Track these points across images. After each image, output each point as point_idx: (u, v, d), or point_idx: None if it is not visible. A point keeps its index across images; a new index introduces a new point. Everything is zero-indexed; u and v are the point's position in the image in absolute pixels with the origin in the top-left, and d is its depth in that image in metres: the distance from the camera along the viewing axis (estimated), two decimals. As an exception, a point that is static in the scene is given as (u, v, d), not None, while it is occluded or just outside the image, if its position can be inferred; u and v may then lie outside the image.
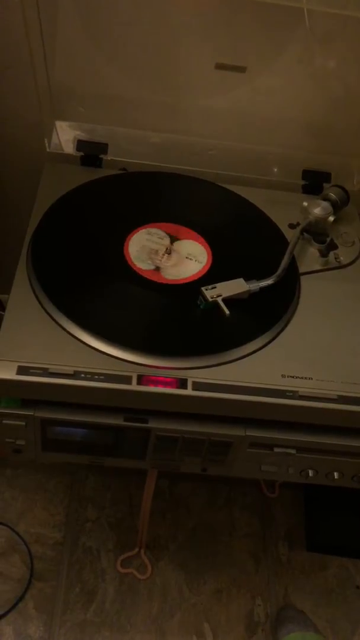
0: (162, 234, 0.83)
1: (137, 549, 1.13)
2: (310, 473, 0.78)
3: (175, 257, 0.81)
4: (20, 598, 1.06)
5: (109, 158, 0.93)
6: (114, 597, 1.08)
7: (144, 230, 0.83)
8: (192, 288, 0.76)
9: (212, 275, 0.79)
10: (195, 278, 0.79)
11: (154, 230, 0.84)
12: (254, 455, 0.75)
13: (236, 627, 1.08)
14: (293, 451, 0.75)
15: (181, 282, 0.78)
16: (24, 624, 1.04)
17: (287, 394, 0.69)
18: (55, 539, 1.13)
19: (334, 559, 1.18)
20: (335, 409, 0.69)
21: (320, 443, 0.74)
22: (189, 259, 0.81)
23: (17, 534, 1.13)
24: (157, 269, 0.79)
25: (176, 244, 0.83)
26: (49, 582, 1.08)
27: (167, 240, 0.83)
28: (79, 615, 1.06)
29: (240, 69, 0.83)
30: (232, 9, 0.76)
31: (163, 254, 0.81)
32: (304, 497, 1.24)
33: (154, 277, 0.78)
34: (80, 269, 0.78)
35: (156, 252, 0.81)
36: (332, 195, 0.90)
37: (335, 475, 0.78)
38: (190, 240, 0.83)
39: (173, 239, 0.83)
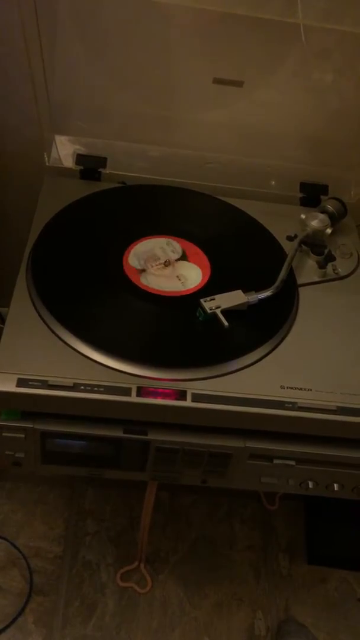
0: (179, 249, 0.84)
1: (137, 563, 1.12)
2: (310, 484, 0.78)
3: (168, 272, 0.81)
4: (20, 612, 1.05)
5: (108, 172, 0.94)
6: (114, 611, 1.07)
7: (164, 239, 0.84)
8: (192, 300, 0.77)
9: (211, 287, 0.79)
10: (195, 290, 0.79)
11: (174, 242, 0.84)
12: (253, 467, 0.75)
13: (237, 641, 1.07)
14: (293, 463, 0.75)
15: (181, 293, 0.78)
16: (23, 639, 1.03)
17: (287, 405, 0.69)
18: (54, 553, 1.13)
19: (334, 572, 1.17)
20: (334, 420, 0.70)
21: (320, 454, 0.74)
22: (177, 279, 0.81)
23: (17, 547, 1.12)
24: (142, 270, 0.79)
25: (179, 263, 0.83)
26: (48, 597, 1.08)
27: (175, 256, 0.83)
28: (79, 629, 1.05)
29: (238, 84, 0.84)
30: (229, 25, 0.77)
31: (160, 263, 0.81)
32: (305, 509, 1.24)
33: (153, 290, 0.78)
34: (80, 281, 0.78)
35: (157, 258, 0.81)
36: (330, 208, 0.91)
37: (335, 486, 0.78)
38: (193, 265, 0.83)
39: (183, 257, 0.83)
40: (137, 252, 0.82)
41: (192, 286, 0.80)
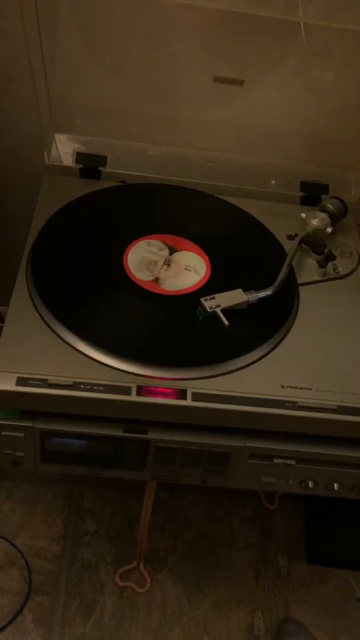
0: (161, 245, 0.84)
1: (136, 562, 1.12)
2: (310, 484, 0.78)
3: (175, 268, 0.81)
4: (19, 612, 1.05)
5: (107, 170, 0.94)
6: (113, 611, 1.07)
7: (143, 241, 0.84)
8: (191, 299, 0.76)
9: (211, 286, 0.79)
10: (195, 289, 0.79)
11: (153, 241, 0.84)
12: (253, 466, 0.75)
13: (236, 641, 1.07)
14: (293, 462, 0.74)
15: (180, 293, 0.78)
16: (22, 638, 1.03)
17: (287, 404, 0.69)
18: (53, 552, 1.13)
19: (334, 571, 1.17)
20: (335, 419, 0.69)
21: (320, 454, 0.74)
22: (187, 270, 0.81)
23: (16, 547, 1.12)
24: (157, 280, 0.79)
25: (175, 255, 0.83)
26: (47, 596, 1.08)
27: (166, 252, 0.83)
28: (77, 629, 1.05)
29: (238, 82, 0.84)
30: (229, 23, 0.77)
31: (162, 265, 0.81)
32: (304, 509, 1.24)
33: (153, 288, 0.78)
34: (80, 280, 0.78)
35: (155, 263, 0.81)
36: (330, 207, 0.91)
37: (335, 486, 0.78)
38: (189, 252, 0.84)
39: (172, 250, 0.83)
40: (135, 265, 0.81)
41: (203, 272, 0.80)
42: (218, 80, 0.83)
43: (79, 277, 0.79)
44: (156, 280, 0.79)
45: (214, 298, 0.75)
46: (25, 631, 1.03)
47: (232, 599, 1.11)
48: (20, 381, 0.66)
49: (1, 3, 0.82)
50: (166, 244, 0.84)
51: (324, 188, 0.97)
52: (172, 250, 0.83)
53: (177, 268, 0.81)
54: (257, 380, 0.70)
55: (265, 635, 1.08)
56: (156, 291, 0.78)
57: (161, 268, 0.81)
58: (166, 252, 0.83)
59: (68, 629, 1.04)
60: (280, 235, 0.89)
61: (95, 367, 0.69)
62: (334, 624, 1.10)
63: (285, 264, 0.82)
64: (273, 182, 0.98)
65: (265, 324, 0.76)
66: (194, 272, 0.81)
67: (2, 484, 1.19)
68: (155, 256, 0.82)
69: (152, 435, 0.71)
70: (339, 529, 1.19)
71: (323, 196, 0.96)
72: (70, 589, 1.09)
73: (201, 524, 1.20)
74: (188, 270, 0.81)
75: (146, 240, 0.84)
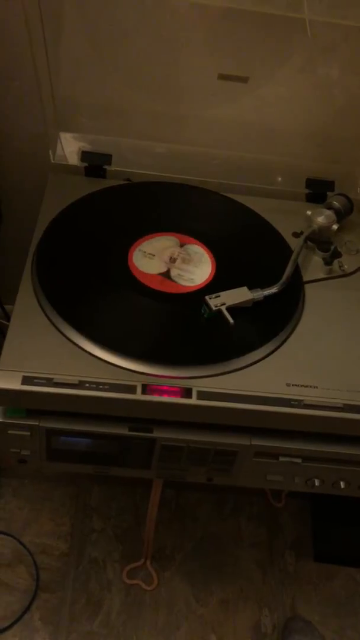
0: (173, 239, 0.85)
1: (143, 560, 1.12)
2: (317, 482, 0.77)
3: (185, 262, 0.81)
4: (26, 609, 1.05)
5: (113, 169, 0.94)
6: (120, 609, 1.08)
7: (161, 236, 0.85)
8: (196, 297, 0.76)
9: (216, 284, 0.79)
10: (200, 287, 0.79)
11: (171, 237, 0.85)
12: (259, 465, 0.75)
13: (243, 639, 1.07)
14: (299, 460, 0.74)
15: (185, 291, 0.78)
16: (29, 636, 1.03)
17: (292, 402, 0.69)
18: (61, 550, 1.13)
19: (341, 569, 1.17)
20: (340, 417, 0.69)
21: (326, 452, 0.73)
22: (195, 264, 0.81)
23: (23, 544, 1.12)
24: (168, 272, 0.80)
25: (184, 249, 0.83)
26: (54, 594, 1.08)
27: (178, 249, 0.84)
28: (85, 626, 1.05)
29: (243, 79, 0.84)
30: (234, 20, 0.77)
31: (176, 258, 0.81)
32: (311, 507, 1.23)
33: (158, 287, 0.78)
34: (85, 279, 0.78)
35: (169, 253, 0.82)
36: (336, 204, 0.90)
37: (342, 484, 0.78)
38: (190, 245, 0.84)
39: (181, 245, 0.84)
40: (150, 255, 0.82)
41: (207, 262, 0.82)
42: (222, 77, 0.83)
43: (84, 276, 0.79)
44: (167, 272, 0.79)
45: (219, 296, 0.75)
46: (32, 629, 1.04)
47: (239, 597, 1.11)
48: (26, 380, 0.66)
49: (4, 2, 0.82)
50: (176, 240, 0.85)
51: (329, 185, 0.96)
52: (181, 245, 0.84)
53: (188, 261, 0.81)
54: (263, 378, 0.70)
55: (272, 633, 1.08)
56: (161, 289, 0.78)
57: (173, 260, 0.81)
58: (178, 249, 0.84)
59: (75, 626, 1.05)
60: (286, 233, 0.89)
61: (100, 366, 0.69)
62: (341, 621, 1.10)
63: (291, 261, 0.82)
64: (279, 179, 0.97)
65: (271, 322, 0.76)
66: (201, 264, 0.81)
67: (9, 482, 1.20)
68: (169, 249, 0.83)
69: (157, 433, 0.71)
70: (346, 527, 1.19)
71: (329, 193, 0.96)
72: (78, 587, 1.09)
73: (208, 522, 1.20)
74: (199, 260, 0.82)
75: (163, 237, 0.85)
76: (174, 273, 0.80)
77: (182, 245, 0.84)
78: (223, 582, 1.13)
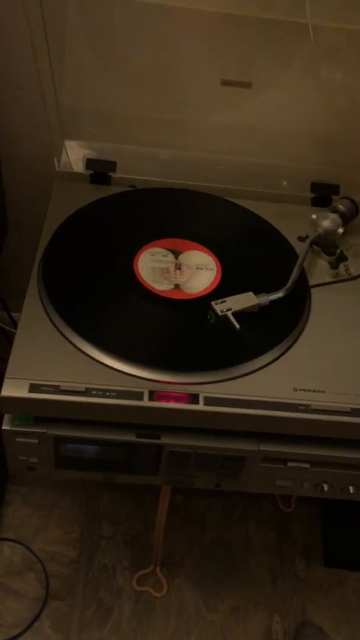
0: (164, 251, 0.84)
1: (152, 566, 1.12)
2: (326, 487, 0.77)
3: (187, 271, 0.81)
4: (36, 617, 1.05)
5: (117, 175, 0.94)
6: (130, 616, 1.07)
7: (147, 251, 0.84)
8: (202, 303, 0.76)
9: (222, 289, 0.79)
10: (206, 292, 0.79)
11: (155, 249, 0.84)
12: (267, 470, 0.75)
13: (254, 645, 1.06)
14: (307, 465, 0.74)
15: (192, 297, 0.78)
16: (40, 644, 1.03)
17: (300, 407, 0.69)
18: (70, 557, 1.13)
19: (352, 575, 1.16)
20: (348, 422, 0.69)
21: (334, 457, 0.73)
22: (199, 269, 0.81)
23: (33, 552, 1.12)
24: (177, 286, 0.79)
25: (182, 257, 0.83)
26: (65, 601, 1.08)
27: (171, 257, 0.83)
28: (95, 633, 1.05)
29: (246, 85, 0.84)
30: (236, 26, 0.77)
31: (175, 271, 0.81)
32: (321, 512, 1.23)
33: (164, 293, 0.78)
34: (91, 286, 0.78)
35: (167, 270, 0.81)
36: (341, 207, 0.90)
37: (351, 489, 0.78)
38: (194, 251, 0.84)
39: (176, 253, 0.83)
40: (151, 275, 0.81)
41: (214, 268, 0.81)
42: (226, 83, 0.84)
43: (90, 283, 0.79)
44: (177, 287, 0.79)
45: (224, 301, 0.75)
46: (43, 636, 1.04)
47: (249, 603, 1.11)
48: (33, 388, 0.67)
49: (7, 12, 0.83)
50: (168, 249, 0.84)
51: (334, 189, 0.96)
52: (177, 254, 0.83)
53: (188, 270, 0.81)
54: (270, 383, 0.70)
55: (283, 639, 1.07)
56: (167, 296, 0.78)
57: (175, 273, 0.81)
58: (171, 256, 0.83)
59: (86, 634, 1.05)
60: (291, 237, 0.89)
61: (107, 373, 0.69)
62: (353, 627, 1.09)
63: (297, 265, 0.82)
64: (283, 183, 0.97)
65: (277, 327, 0.76)
66: (206, 269, 0.81)
67: (18, 490, 1.20)
68: (165, 263, 0.82)
69: (165, 440, 0.71)
70: (356, 532, 1.18)
71: (334, 197, 0.96)
72: (88, 594, 1.09)
73: (217, 528, 1.19)
74: (200, 269, 0.81)
75: (149, 250, 0.84)
76: (183, 280, 0.80)
77: (187, 251, 0.84)
78: (233, 588, 1.12)
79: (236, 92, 0.85)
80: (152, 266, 0.81)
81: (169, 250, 0.84)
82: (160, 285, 0.79)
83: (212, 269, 0.82)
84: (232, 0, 0.74)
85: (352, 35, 0.79)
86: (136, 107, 0.88)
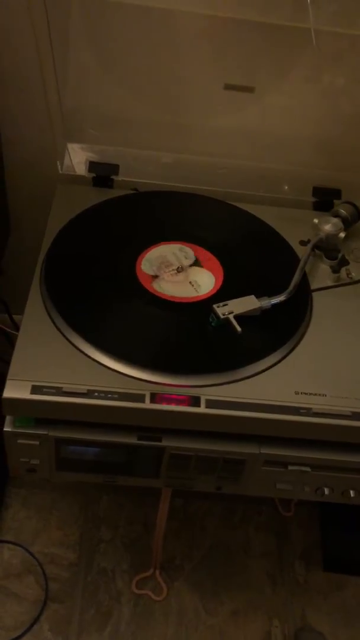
0: (191, 255, 0.84)
1: (152, 570, 1.12)
2: (326, 491, 0.77)
3: (181, 278, 0.81)
4: (36, 620, 1.05)
5: (120, 179, 0.94)
6: (130, 619, 1.07)
7: (176, 245, 0.84)
8: (204, 306, 0.77)
9: (223, 293, 0.79)
10: (208, 296, 0.79)
11: (186, 248, 0.85)
12: (268, 473, 0.75)
13: (253, 649, 1.06)
14: (308, 469, 0.74)
15: (193, 300, 0.78)
16: (39, 647, 1.03)
17: (301, 411, 0.69)
18: (69, 560, 1.13)
19: (351, 579, 1.16)
20: (349, 425, 0.69)
21: (335, 460, 0.73)
22: (190, 284, 0.81)
23: (32, 554, 1.12)
24: (155, 276, 0.80)
25: (192, 269, 0.83)
26: (64, 604, 1.08)
27: (188, 262, 0.83)
28: (94, 637, 1.05)
29: (249, 89, 0.84)
30: (239, 31, 0.77)
31: (173, 270, 0.81)
32: (321, 516, 1.23)
33: (166, 296, 0.78)
34: (93, 288, 0.79)
35: (169, 264, 0.81)
36: (343, 212, 0.91)
37: (352, 493, 0.78)
38: (206, 271, 0.83)
39: (196, 263, 0.83)
40: (150, 258, 0.82)
41: (205, 292, 0.80)
42: (229, 87, 0.84)
43: (92, 285, 0.79)
44: (155, 277, 0.79)
45: (226, 305, 0.75)
46: (42, 639, 1.03)
47: (248, 607, 1.11)
48: (35, 389, 0.67)
49: (12, 15, 0.83)
50: (196, 257, 0.84)
51: (336, 193, 0.97)
52: (196, 263, 0.83)
53: (183, 278, 0.81)
54: (271, 386, 0.70)
55: (282, 644, 1.07)
56: (169, 299, 0.78)
57: (170, 271, 0.81)
58: (189, 262, 0.83)
59: (85, 637, 1.04)
60: (293, 241, 0.89)
61: (109, 375, 0.69)
62: (353, 632, 1.09)
63: (298, 269, 0.82)
64: (285, 187, 0.98)
65: (279, 330, 0.76)
66: (195, 288, 0.80)
67: (17, 492, 1.20)
68: (177, 260, 0.82)
69: (166, 442, 0.71)
70: (355, 536, 1.18)
71: (335, 201, 0.96)
72: (87, 597, 1.09)
73: (217, 531, 1.19)
74: (191, 285, 0.81)
75: (180, 245, 0.84)
76: (168, 279, 0.80)
77: (189, 254, 0.84)
78: (233, 592, 1.12)
79: (239, 97, 0.85)
80: (165, 253, 0.82)
81: (196, 257, 0.84)
82: (147, 268, 0.79)
83: (198, 292, 0.80)
84: (235, 4, 0.75)
85: (354, 40, 0.79)
86: (139, 110, 0.88)
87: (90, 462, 0.74)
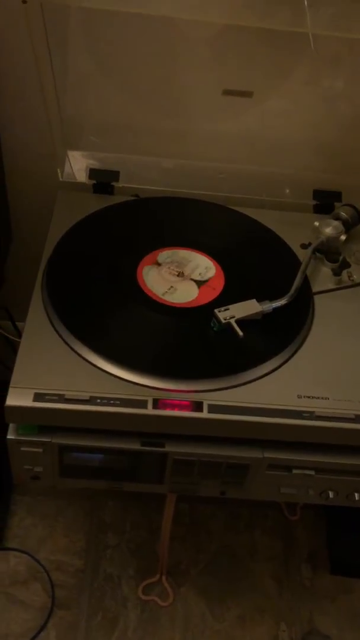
0: (205, 275, 0.83)
1: (158, 575, 1.12)
2: (331, 494, 0.77)
3: (173, 279, 0.81)
4: (43, 627, 1.05)
5: (120, 185, 0.95)
6: (136, 625, 1.07)
7: (169, 251, 0.85)
8: (206, 311, 0.77)
9: (225, 297, 0.79)
10: (209, 300, 0.79)
11: (212, 266, 0.84)
12: (272, 477, 0.75)
13: (261, 654, 1.06)
14: (312, 472, 0.74)
15: (194, 305, 0.78)
16: (46, 654, 1.03)
17: (304, 414, 0.69)
18: (76, 566, 1.13)
19: (359, 582, 1.15)
20: (352, 428, 0.69)
21: (339, 463, 0.73)
22: (171, 287, 0.80)
23: (38, 561, 1.12)
24: (158, 264, 0.81)
25: (189, 282, 0.82)
26: (70, 610, 1.08)
27: (192, 275, 0.83)
28: (101, 643, 1.05)
29: (248, 94, 0.85)
30: (237, 36, 0.77)
31: (175, 270, 0.81)
32: (326, 519, 1.22)
33: (167, 301, 0.78)
34: (95, 295, 0.79)
35: (178, 264, 0.83)
36: (344, 214, 0.91)
37: (356, 496, 0.77)
38: (198, 289, 0.82)
39: (200, 282, 0.83)
40: (170, 253, 0.83)
41: (175, 301, 0.79)
42: (227, 92, 0.84)
43: (94, 292, 0.79)
44: (157, 264, 0.81)
45: (228, 309, 0.75)
46: (49, 646, 1.04)
47: (255, 612, 1.10)
48: (38, 397, 0.67)
49: (10, 24, 0.84)
50: (209, 278, 0.83)
51: (337, 196, 0.97)
52: (200, 283, 0.82)
53: (175, 280, 0.81)
54: (274, 390, 0.70)
55: (290, 648, 1.07)
56: (170, 304, 0.78)
57: (171, 269, 0.82)
58: (197, 277, 0.82)
59: (91, 644, 1.04)
60: (294, 245, 0.89)
61: (111, 381, 0.69)
62: (360, 635, 1.09)
63: (300, 273, 0.82)
64: (286, 191, 0.98)
65: (280, 334, 0.76)
66: (170, 292, 0.80)
67: (22, 499, 1.20)
68: (187, 268, 0.83)
69: (169, 448, 0.71)
70: (362, 539, 1.17)
71: (336, 204, 0.96)
72: (94, 603, 1.09)
73: (222, 536, 1.19)
74: (171, 287, 0.80)
75: (209, 261, 0.84)
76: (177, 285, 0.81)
77: (190, 259, 0.85)
78: (239, 597, 1.12)
79: (238, 102, 0.85)
80: (183, 256, 0.83)
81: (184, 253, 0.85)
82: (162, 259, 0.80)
83: (184, 299, 0.81)
84: (233, 11, 0.75)
85: (352, 44, 0.79)
86: (138, 117, 0.88)
87: (94, 468, 0.74)
